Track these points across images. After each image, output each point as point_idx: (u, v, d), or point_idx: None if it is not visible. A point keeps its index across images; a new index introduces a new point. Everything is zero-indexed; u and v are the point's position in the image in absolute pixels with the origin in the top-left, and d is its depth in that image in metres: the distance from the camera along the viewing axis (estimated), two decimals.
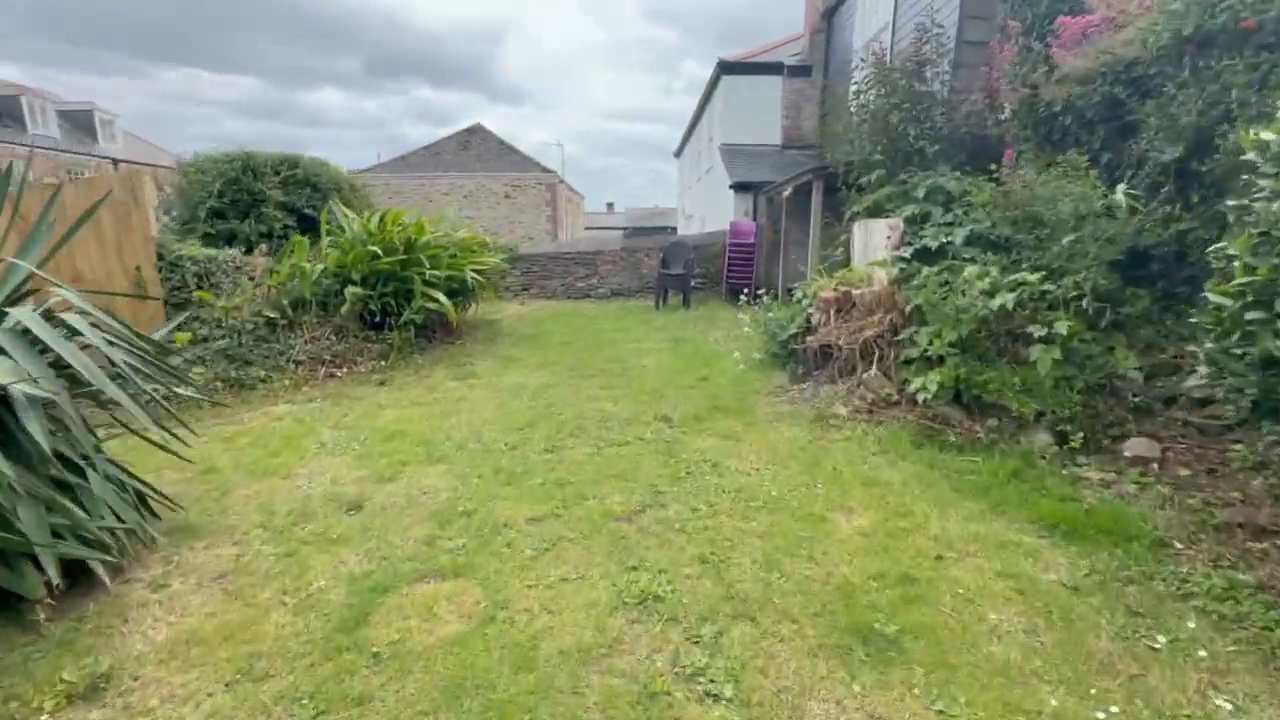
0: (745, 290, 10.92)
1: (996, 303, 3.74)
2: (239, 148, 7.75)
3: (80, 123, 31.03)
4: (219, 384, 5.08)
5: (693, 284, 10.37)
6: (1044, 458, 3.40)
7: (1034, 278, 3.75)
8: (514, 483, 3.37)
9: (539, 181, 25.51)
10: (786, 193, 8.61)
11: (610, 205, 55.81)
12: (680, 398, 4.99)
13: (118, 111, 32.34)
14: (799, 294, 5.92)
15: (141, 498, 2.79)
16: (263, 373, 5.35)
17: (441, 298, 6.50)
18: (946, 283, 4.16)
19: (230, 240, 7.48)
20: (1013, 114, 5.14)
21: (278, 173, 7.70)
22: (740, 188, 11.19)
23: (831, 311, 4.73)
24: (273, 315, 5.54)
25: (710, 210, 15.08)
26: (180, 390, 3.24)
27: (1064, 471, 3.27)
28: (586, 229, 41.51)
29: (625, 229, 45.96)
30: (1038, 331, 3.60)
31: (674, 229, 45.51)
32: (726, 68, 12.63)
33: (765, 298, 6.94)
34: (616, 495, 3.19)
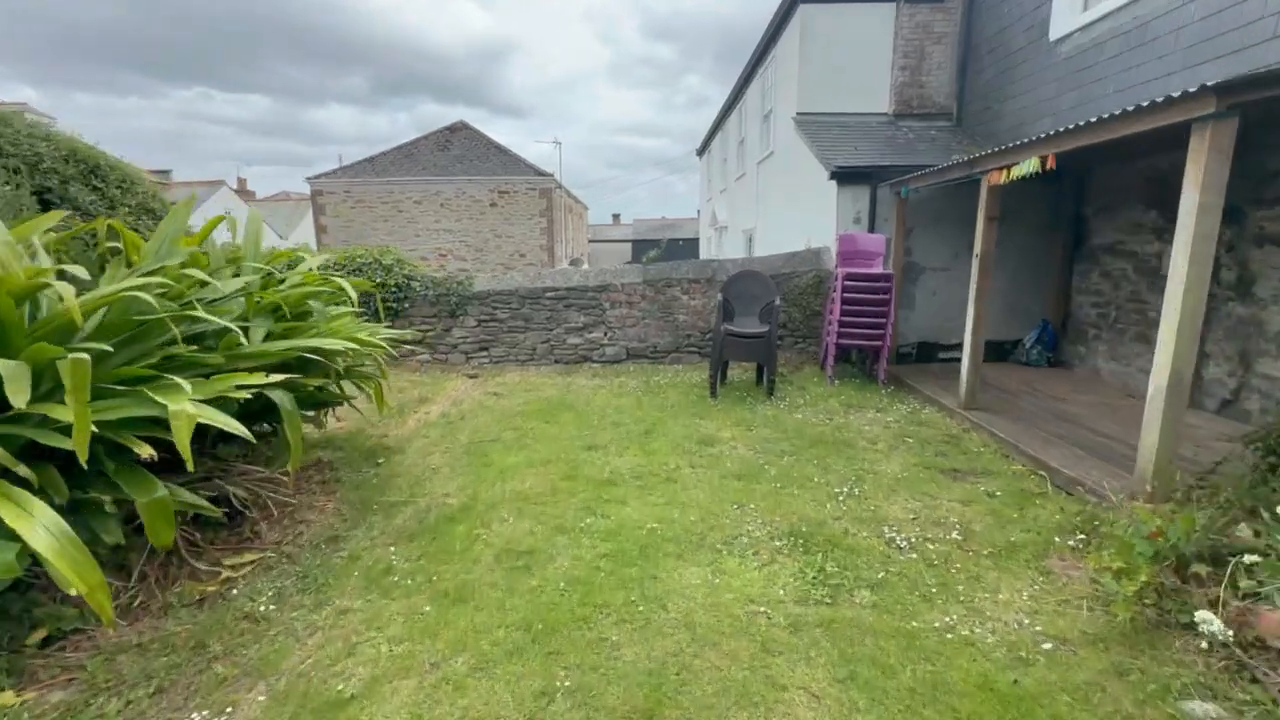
0: (862, 354, 6.20)
1: None
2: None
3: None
4: None
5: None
6: None
7: None
8: None
9: (531, 186, 20.98)
10: (1017, 168, 3.90)
11: (617, 217, 51.33)
12: None
13: (54, 115, 28.19)
14: None
15: None
16: None
17: (40, 552, 1.79)
18: None
19: None
20: None
21: None
22: (849, 177, 6.51)
23: None
24: None
25: (772, 217, 10.42)
26: None
27: None
28: (591, 242, 36.98)
29: (634, 242, 41.36)
30: None
31: (679, 241, 40.42)
32: None
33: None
34: None
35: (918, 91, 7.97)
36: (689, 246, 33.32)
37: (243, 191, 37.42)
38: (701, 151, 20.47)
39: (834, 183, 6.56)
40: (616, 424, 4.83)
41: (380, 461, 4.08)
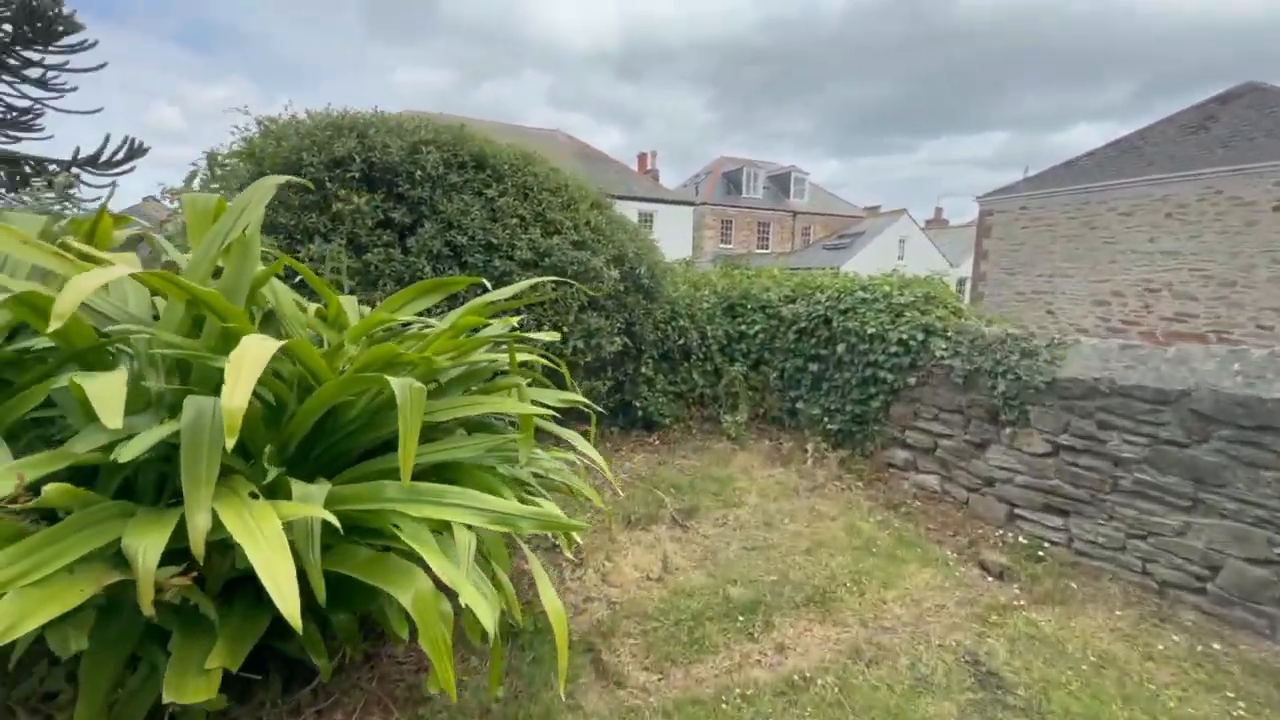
0: None
1: None
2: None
3: (781, 184, 36.74)
4: None
5: None
6: None
7: None
8: None
9: None
10: None
11: None
12: None
13: (808, 170, 36.52)
14: None
15: None
16: None
17: None
18: None
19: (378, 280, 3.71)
20: None
21: (366, 148, 3.57)
22: None
23: None
24: None
25: None
26: None
27: None
28: None
29: None
30: None
31: None
32: None
33: None
34: None
35: None
36: None
37: (936, 220, 38.23)
38: None
39: None
40: None
41: None
